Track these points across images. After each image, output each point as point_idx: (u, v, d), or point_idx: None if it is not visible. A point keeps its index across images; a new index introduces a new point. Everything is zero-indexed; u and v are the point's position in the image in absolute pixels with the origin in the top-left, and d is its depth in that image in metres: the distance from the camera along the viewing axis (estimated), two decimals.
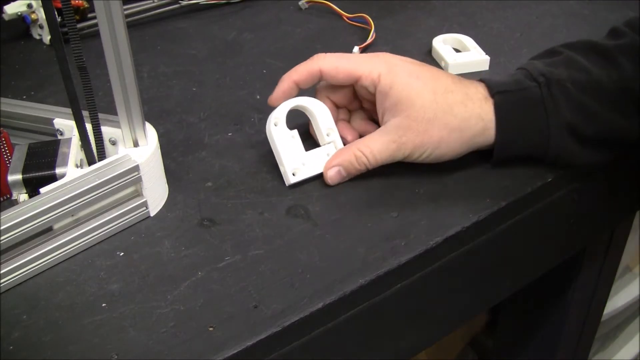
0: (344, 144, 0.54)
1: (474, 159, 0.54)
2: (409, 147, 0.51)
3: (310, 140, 0.55)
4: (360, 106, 0.57)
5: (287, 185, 0.52)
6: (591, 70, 0.51)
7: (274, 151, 0.53)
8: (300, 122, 0.55)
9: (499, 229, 0.52)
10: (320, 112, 0.54)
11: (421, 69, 0.52)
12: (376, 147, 0.51)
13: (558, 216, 0.58)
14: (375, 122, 0.55)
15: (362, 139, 0.53)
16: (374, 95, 0.52)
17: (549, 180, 0.53)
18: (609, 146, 0.52)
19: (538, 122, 0.51)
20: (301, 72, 0.53)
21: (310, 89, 0.55)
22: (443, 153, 0.51)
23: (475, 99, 0.51)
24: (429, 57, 0.69)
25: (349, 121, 0.57)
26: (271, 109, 0.52)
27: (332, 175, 0.52)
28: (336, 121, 0.55)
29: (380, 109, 0.52)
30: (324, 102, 0.55)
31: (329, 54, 0.54)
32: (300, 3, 0.80)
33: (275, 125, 0.53)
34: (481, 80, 0.53)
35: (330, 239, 0.48)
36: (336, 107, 0.56)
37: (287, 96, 0.54)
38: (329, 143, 0.54)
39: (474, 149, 0.52)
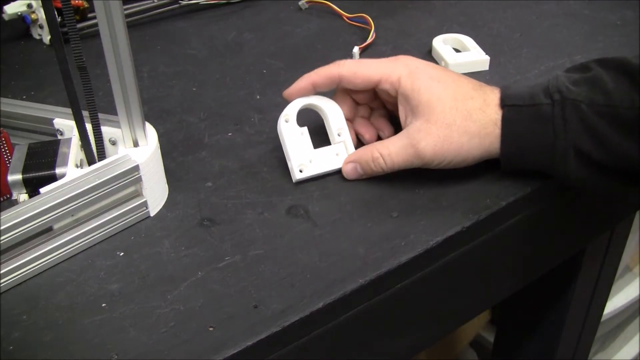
0: (362, 142, 0.55)
1: None
2: (428, 153, 0.50)
3: (321, 138, 0.55)
4: (382, 105, 0.57)
5: (293, 181, 0.52)
6: (613, 94, 0.47)
7: (283, 147, 0.53)
8: (312, 120, 0.55)
9: (499, 229, 0.52)
10: (332, 112, 0.54)
11: (443, 73, 0.52)
12: (394, 150, 0.51)
13: (558, 216, 0.58)
14: (396, 122, 0.55)
15: (383, 141, 0.53)
16: (395, 97, 0.52)
17: (549, 180, 0.52)
18: (622, 175, 0.49)
19: (544, 141, 0.49)
20: (321, 74, 0.54)
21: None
22: (463, 159, 0.50)
23: (493, 104, 0.50)
24: (429, 57, 0.69)
25: (368, 118, 0.57)
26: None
27: (348, 171, 0.53)
28: (355, 118, 0.56)
29: (402, 112, 0.52)
30: (344, 99, 0.55)
31: (349, 60, 0.54)
32: (300, 3, 0.80)
33: (286, 121, 0.53)
34: (500, 88, 0.52)
35: (330, 239, 0.48)
36: (357, 104, 0.57)
37: (302, 94, 0.54)
38: (339, 142, 0.54)
39: (494, 156, 0.51)
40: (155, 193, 0.50)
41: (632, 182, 0.49)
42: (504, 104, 0.50)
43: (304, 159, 0.52)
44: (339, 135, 0.54)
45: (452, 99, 0.50)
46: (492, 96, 0.51)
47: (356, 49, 0.69)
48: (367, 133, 0.55)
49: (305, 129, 0.54)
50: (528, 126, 0.49)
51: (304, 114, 0.54)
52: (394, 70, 0.52)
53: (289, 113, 0.53)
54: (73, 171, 0.48)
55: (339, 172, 0.53)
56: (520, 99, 0.50)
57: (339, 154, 0.54)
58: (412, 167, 0.51)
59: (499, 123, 0.50)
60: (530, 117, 0.49)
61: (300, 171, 0.52)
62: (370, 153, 0.52)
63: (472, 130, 0.50)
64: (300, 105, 0.54)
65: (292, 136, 0.53)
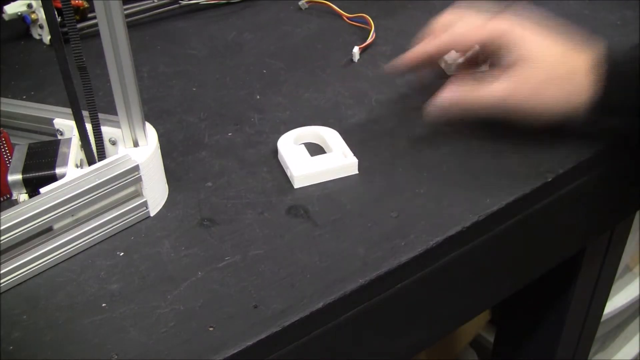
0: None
1: (474, 158, 0.54)
2: (521, 97, 0.52)
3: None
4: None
5: (295, 187, 0.52)
6: None
7: (281, 161, 0.54)
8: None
9: (499, 229, 0.52)
10: (330, 136, 0.56)
11: (547, 30, 0.54)
12: (493, 87, 0.53)
13: (558, 216, 0.58)
14: None
15: (483, 85, 0.54)
16: (499, 53, 0.54)
17: (549, 180, 0.53)
18: None
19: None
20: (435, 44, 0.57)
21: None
22: (547, 109, 0.53)
23: (587, 65, 0.52)
24: None
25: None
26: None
27: (443, 99, 0.54)
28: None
29: (504, 65, 0.54)
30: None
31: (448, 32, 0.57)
32: (300, 3, 0.80)
33: (281, 143, 0.55)
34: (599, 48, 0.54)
35: (330, 239, 0.48)
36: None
37: (419, 62, 0.57)
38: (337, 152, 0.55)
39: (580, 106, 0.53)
40: (155, 193, 0.50)
41: None
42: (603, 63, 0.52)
43: (303, 168, 0.53)
44: (344, 156, 0.54)
45: (553, 54, 0.53)
46: (589, 54, 0.53)
47: (356, 49, 0.69)
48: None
49: (302, 145, 0.56)
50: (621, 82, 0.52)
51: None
52: (496, 26, 0.54)
53: (283, 141, 0.56)
54: (73, 171, 0.48)
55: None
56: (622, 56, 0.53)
57: (337, 160, 0.54)
58: (503, 110, 0.53)
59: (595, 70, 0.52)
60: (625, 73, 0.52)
61: (300, 179, 0.52)
62: (469, 85, 0.54)
63: (567, 88, 0.52)
64: (293, 135, 0.56)
65: (289, 148, 0.54)
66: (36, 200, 0.44)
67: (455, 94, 0.55)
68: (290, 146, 0.55)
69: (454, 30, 0.56)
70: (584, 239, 0.70)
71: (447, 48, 0.57)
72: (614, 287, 0.92)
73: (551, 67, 0.53)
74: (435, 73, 0.62)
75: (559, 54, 0.53)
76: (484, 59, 0.58)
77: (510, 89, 0.53)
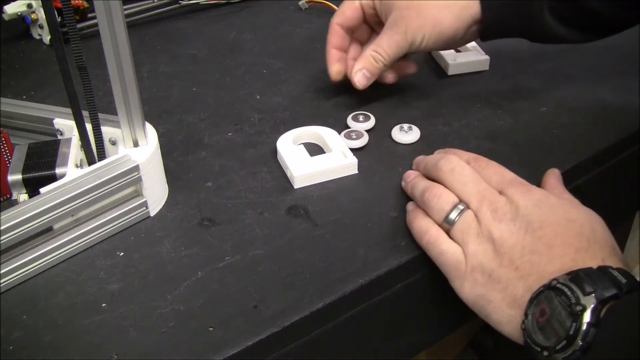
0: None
1: None
2: (410, 33, 0.56)
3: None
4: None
5: (295, 187, 0.52)
6: None
7: (280, 162, 0.54)
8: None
9: None
10: (329, 136, 0.56)
11: None
12: (384, 42, 0.58)
13: None
14: None
15: (372, 42, 0.59)
16: (377, 15, 0.60)
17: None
18: (592, 29, 0.57)
19: (522, 4, 0.56)
20: (332, 37, 0.62)
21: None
22: (440, 30, 0.56)
23: None
24: (429, 57, 0.69)
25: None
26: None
27: (359, 79, 0.59)
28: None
29: (382, 15, 0.59)
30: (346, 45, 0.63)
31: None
32: (300, 3, 0.80)
33: (281, 144, 0.55)
34: None
35: (330, 239, 0.48)
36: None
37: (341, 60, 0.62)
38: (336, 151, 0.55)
39: (469, 23, 0.57)
40: (155, 193, 0.50)
41: (598, 35, 0.59)
42: None
43: (303, 168, 0.52)
44: (344, 156, 0.54)
45: None
46: None
47: None
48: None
49: (301, 145, 0.56)
50: None
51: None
52: None
53: (282, 141, 0.56)
54: (73, 171, 0.48)
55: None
56: None
57: (336, 159, 0.54)
58: (405, 52, 0.58)
59: None
60: None
61: (300, 179, 0.52)
62: (369, 54, 0.58)
63: (450, 2, 0.56)
64: (291, 136, 0.56)
65: (288, 148, 0.54)
66: (36, 200, 0.44)
67: (360, 65, 0.59)
68: (290, 146, 0.55)
69: (335, 15, 0.62)
70: None
71: (341, 30, 0.62)
72: None
73: None
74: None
75: None
76: None
77: (395, 26, 0.57)
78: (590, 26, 0.57)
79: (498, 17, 0.56)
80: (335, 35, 0.62)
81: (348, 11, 0.62)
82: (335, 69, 0.61)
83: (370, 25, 0.63)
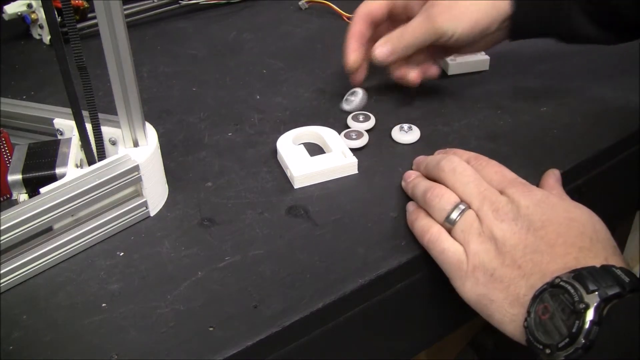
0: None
1: None
2: (440, 24, 0.56)
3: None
4: None
5: (295, 187, 0.52)
6: None
7: (280, 162, 0.54)
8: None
9: None
10: (329, 136, 0.56)
11: None
12: (413, 24, 0.57)
13: None
14: None
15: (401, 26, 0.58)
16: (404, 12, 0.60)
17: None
18: (622, 30, 0.57)
19: (552, 4, 0.55)
20: (355, 27, 0.61)
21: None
22: (472, 26, 0.56)
23: None
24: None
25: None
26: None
27: (380, 49, 0.58)
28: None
29: (417, 6, 0.59)
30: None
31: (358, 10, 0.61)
32: (300, 3, 0.80)
33: (281, 144, 0.55)
34: None
35: (330, 239, 0.48)
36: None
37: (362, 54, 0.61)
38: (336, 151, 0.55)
39: (500, 20, 0.56)
40: (155, 193, 0.50)
41: (629, 37, 0.58)
42: None
43: (303, 168, 0.52)
44: (343, 155, 0.54)
45: None
46: None
47: None
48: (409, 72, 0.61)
49: (301, 145, 0.56)
50: None
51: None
52: None
53: (282, 141, 0.56)
54: (73, 171, 0.48)
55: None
56: None
57: (336, 159, 0.54)
58: (433, 41, 0.57)
59: None
60: None
61: (300, 179, 0.52)
62: (396, 32, 0.58)
63: (482, 1, 0.56)
64: (292, 136, 0.56)
65: (288, 148, 0.54)
66: (36, 200, 0.44)
67: (387, 38, 0.58)
68: (290, 146, 0.55)
69: (362, 5, 0.61)
70: None
71: (365, 22, 0.61)
72: None
73: None
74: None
75: None
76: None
77: (426, 13, 0.57)
78: (621, 28, 0.57)
79: (530, 15, 0.56)
80: (358, 25, 0.61)
81: (375, 3, 0.61)
82: (352, 57, 0.60)
83: (395, 24, 0.61)
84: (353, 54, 0.60)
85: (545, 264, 0.40)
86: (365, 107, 0.61)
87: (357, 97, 0.60)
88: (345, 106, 0.61)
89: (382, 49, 0.58)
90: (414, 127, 0.58)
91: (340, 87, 0.64)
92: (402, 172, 0.52)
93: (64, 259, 0.46)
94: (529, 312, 0.39)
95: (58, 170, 0.48)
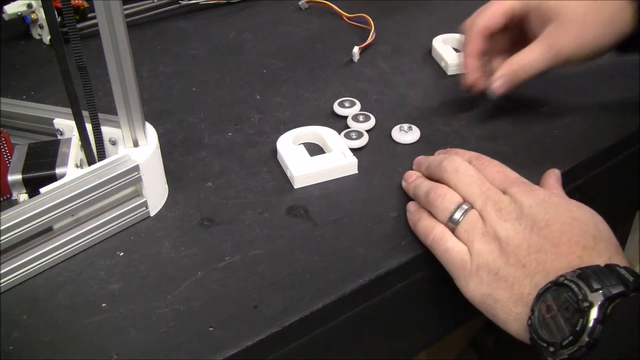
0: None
1: None
2: (564, 52, 0.53)
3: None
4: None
5: (295, 187, 0.52)
6: None
7: (280, 162, 0.54)
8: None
9: None
10: (329, 136, 0.56)
11: None
12: (535, 54, 0.54)
13: None
14: None
15: (518, 53, 0.55)
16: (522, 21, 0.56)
17: None
18: None
19: None
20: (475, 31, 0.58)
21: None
22: (593, 51, 0.54)
23: None
24: (429, 57, 0.69)
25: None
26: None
27: (497, 86, 0.55)
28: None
29: (533, 24, 0.55)
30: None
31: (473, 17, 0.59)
32: (300, 3, 0.80)
33: (281, 144, 0.55)
34: None
35: (330, 239, 0.48)
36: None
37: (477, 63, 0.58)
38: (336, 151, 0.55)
39: (618, 40, 0.54)
40: (155, 193, 0.50)
41: None
42: None
43: (303, 168, 0.52)
44: (343, 156, 0.54)
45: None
46: None
47: (356, 49, 0.69)
48: None
49: (301, 145, 0.55)
50: None
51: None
52: None
53: (282, 141, 0.55)
54: (73, 171, 0.48)
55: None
56: None
57: (336, 159, 0.54)
58: (554, 69, 0.55)
59: (630, 5, 0.52)
60: None
61: (300, 179, 0.52)
62: (515, 64, 0.55)
63: (605, 16, 0.53)
64: (292, 136, 0.56)
65: (288, 148, 0.54)
66: (36, 200, 0.44)
67: (504, 72, 0.55)
68: (290, 146, 0.55)
69: (477, 16, 0.58)
70: None
71: (482, 36, 0.58)
72: None
73: (586, 5, 0.53)
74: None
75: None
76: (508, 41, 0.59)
77: (549, 40, 0.53)
78: None
79: None
80: (476, 43, 0.57)
81: (494, 14, 0.57)
82: (472, 78, 0.58)
83: (509, 33, 0.59)
84: (473, 75, 0.58)
85: (549, 263, 0.40)
86: (366, 107, 0.61)
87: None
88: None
89: (499, 87, 0.55)
90: (414, 127, 0.58)
91: (341, 87, 0.64)
92: (402, 172, 0.52)
93: (64, 259, 0.46)
94: (532, 311, 0.39)
95: (58, 170, 0.48)
